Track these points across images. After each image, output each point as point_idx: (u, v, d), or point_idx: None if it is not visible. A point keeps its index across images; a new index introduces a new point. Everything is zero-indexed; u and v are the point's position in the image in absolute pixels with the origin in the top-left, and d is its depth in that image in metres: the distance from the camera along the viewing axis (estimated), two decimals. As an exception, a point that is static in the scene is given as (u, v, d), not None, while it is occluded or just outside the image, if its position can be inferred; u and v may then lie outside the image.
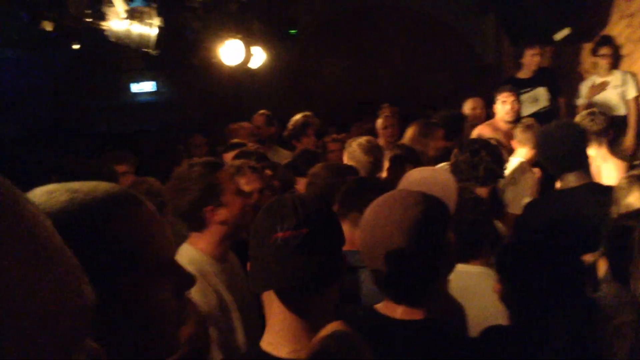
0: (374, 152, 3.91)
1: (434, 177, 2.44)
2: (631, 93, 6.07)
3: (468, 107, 5.59)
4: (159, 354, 0.96)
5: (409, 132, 4.51)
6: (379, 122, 5.60)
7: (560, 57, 6.98)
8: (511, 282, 2.04)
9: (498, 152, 3.44)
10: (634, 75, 6.12)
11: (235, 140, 4.89)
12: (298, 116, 5.58)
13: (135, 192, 0.98)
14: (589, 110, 4.33)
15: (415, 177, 2.47)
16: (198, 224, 2.36)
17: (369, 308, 1.73)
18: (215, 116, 8.99)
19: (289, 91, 10.05)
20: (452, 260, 1.74)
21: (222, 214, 2.33)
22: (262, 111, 6.93)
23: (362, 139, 4.02)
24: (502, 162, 3.45)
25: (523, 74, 6.21)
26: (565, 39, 6.19)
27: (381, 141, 4.96)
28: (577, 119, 4.17)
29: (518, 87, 5.55)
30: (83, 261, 0.80)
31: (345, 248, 1.47)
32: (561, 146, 3.14)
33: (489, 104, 5.46)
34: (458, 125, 4.92)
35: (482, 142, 3.52)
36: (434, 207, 1.66)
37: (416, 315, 1.63)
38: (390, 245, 1.59)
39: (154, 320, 0.92)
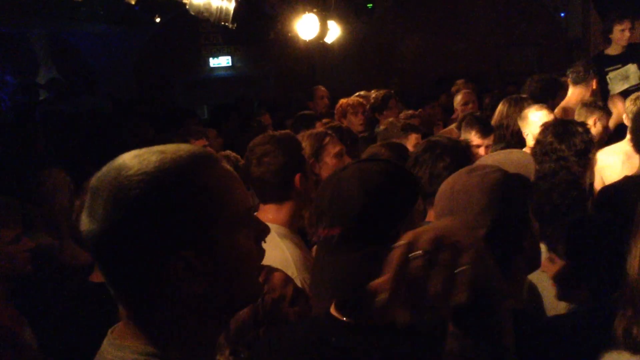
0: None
1: (508, 159, 2.32)
2: None
3: None
4: (247, 298, 1.05)
5: (500, 108, 4.38)
6: (458, 99, 5.53)
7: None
8: (572, 261, 1.92)
9: (585, 138, 3.00)
10: None
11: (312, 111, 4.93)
12: (373, 91, 5.59)
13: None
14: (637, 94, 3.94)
15: (487, 161, 2.37)
16: (284, 193, 2.36)
17: None
18: (289, 91, 9.03)
19: (363, 66, 9.95)
20: (537, 254, 1.63)
21: (308, 182, 2.38)
22: (320, 87, 7.05)
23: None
24: (588, 151, 3.02)
25: (612, 50, 5.85)
26: (660, 12, 5.79)
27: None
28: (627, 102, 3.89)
29: (607, 64, 5.25)
30: (179, 211, 0.93)
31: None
32: None
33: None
34: (554, 92, 4.65)
35: (566, 124, 3.11)
36: (514, 175, 1.59)
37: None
38: (472, 209, 1.48)
39: (242, 266, 1.00)
